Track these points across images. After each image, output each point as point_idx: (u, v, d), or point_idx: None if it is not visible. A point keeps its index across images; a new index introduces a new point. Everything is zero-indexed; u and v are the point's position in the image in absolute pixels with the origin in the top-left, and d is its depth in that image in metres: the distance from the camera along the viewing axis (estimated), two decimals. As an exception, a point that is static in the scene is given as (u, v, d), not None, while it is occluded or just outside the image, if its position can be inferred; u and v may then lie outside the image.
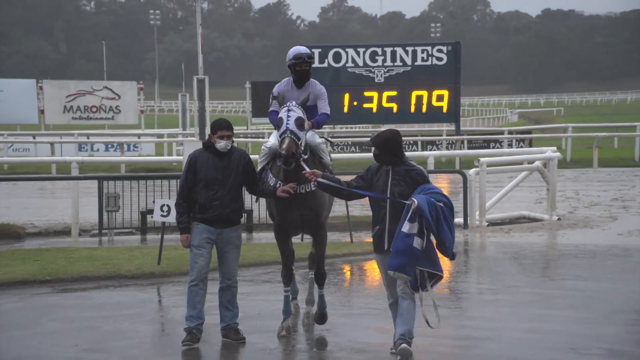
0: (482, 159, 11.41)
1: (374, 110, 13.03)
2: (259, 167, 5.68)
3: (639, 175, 19.14)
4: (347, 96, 12.96)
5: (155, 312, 6.57)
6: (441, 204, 4.83)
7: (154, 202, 8.57)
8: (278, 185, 5.42)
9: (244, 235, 10.57)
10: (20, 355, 5.28)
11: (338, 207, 8.68)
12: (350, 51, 13.08)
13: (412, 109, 13.02)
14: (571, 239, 10.07)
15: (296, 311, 6.16)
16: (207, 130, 5.53)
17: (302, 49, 5.81)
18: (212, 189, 5.34)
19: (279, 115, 5.40)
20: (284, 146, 5.19)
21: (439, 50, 13.12)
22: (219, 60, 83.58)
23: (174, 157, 18.94)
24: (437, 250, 4.93)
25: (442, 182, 17.10)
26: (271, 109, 5.75)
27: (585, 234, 10.40)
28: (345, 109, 13.01)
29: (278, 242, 5.73)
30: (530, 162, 12.41)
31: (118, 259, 8.37)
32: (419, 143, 23.78)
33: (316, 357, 5.22)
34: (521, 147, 23.03)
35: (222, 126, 5.38)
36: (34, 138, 26.56)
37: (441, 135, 25.18)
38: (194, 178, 5.37)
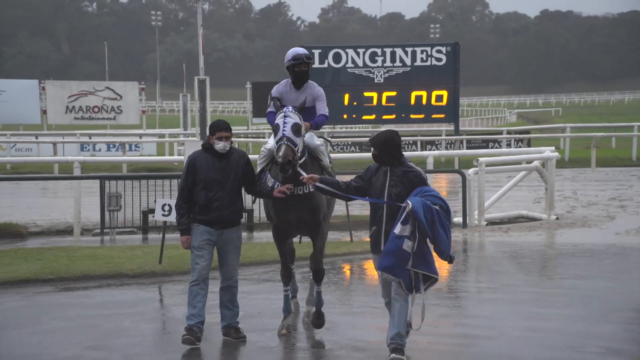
0: (481, 159, 11.45)
1: (374, 110, 13.09)
2: (258, 169, 5.69)
3: (636, 174, 19.18)
4: (346, 96, 13.02)
5: (156, 311, 6.61)
6: (437, 207, 4.81)
7: (155, 201, 8.60)
8: (276, 186, 5.43)
9: (244, 234, 10.65)
10: (23, 353, 5.31)
11: (338, 207, 8.71)
12: (350, 52, 13.12)
13: (412, 109, 13.08)
14: (569, 238, 10.10)
15: (296, 310, 6.18)
16: (208, 131, 5.52)
17: (301, 50, 5.82)
18: (211, 190, 5.35)
19: (276, 122, 5.39)
20: (280, 154, 5.17)
21: (438, 51, 13.17)
22: (220, 61, 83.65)
23: (175, 157, 19.01)
24: (435, 253, 4.90)
25: (441, 182, 17.16)
26: (269, 109, 5.77)
27: (583, 233, 10.43)
28: (345, 109, 13.07)
29: (276, 243, 5.75)
30: (529, 162, 12.46)
31: (120, 258, 8.40)
32: (419, 143, 23.83)
33: (316, 355, 5.24)
34: (520, 147, 23.08)
35: (221, 127, 5.39)
36: (37, 138, 26.63)
37: (440, 135, 25.23)
38: (194, 179, 5.38)
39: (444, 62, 13.14)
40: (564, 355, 5.11)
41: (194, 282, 5.38)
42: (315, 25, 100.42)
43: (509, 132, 26.80)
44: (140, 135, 28.80)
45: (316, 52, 13.15)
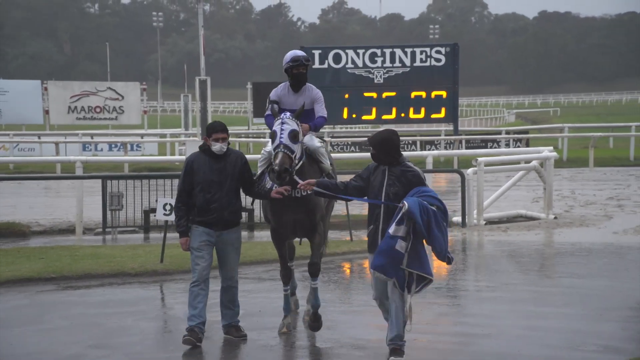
0: (480, 159, 11.50)
1: (374, 110, 13.14)
2: (258, 171, 5.69)
3: (634, 174, 19.22)
4: (346, 97, 13.08)
5: (158, 310, 6.65)
6: (434, 208, 4.78)
7: (156, 201, 8.67)
8: (273, 187, 5.42)
9: (245, 233, 10.70)
10: (25, 351, 5.34)
11: (338, 206, 8.75)
12: (350, 52, 13.17)
13: (411, 109, 13.14)
14: (567, 237, 10.14)
15: (296, 307, 6.17)
16: (205, 132, 5.50)
17: (299, 52, 5.82)
18: (209, 191, 5.35)
19: (273, 128, 5.36)
20: (277, 161, 5.15)
21: (438, 52, 13.23)
22: (221, 62, 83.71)
23: (177, 157, 19.02)
24: (433, 254, 4.89)
25: (440, 182, 17.19)
26: (267, 112, 5.76)
27: (581, 233, 10.46)
28: (345, 110, 13.12)
29: (275, 245, 5.75)
30: (527, 161, 12.50)
31: (121, 257, 8.43)
32: (418, 143, 23.85)
33: (316, 353, 5.27)
34: (518, 146, 23.11)
35: (217, 129, 5.39)
36: (39, 138, 26.68)
37: (440, 135, 25.27)
38: (192, 181, 5.39)
39: (443, 62, 13.20)
40: (562, 354, 5.14)
41: (195, 283, 5.39)
42: (316, 26, 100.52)
43: (507, 132, 26.84)
44: (142, 135, 28.85)
45: (316, 52, 13.21)
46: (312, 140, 5.64)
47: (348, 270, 8.37)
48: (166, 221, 8.09)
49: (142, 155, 25.00)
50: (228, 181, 5.38)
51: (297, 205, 5.44)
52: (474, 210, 11.18)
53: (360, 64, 13.13)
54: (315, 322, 5.59)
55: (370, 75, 13.11)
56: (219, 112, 57.31)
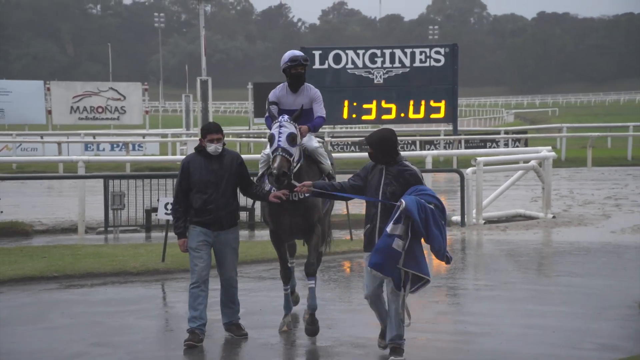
0: (479, 159, 11.54)
1: (373, 110, 13.19)
2: (259, 173, 5.69)
3: (631, 174, 19.27)
4: (346, 97, 13.13)
5: (159, 308, 6.69)
6: (432, 206, 4.76)
7: (158, 200, 8.70)
8: (272, 190, 5.42)
9: (246, 233, 10.74)
10: (28, 349, 5.38)
11: (338, 205, 8.80)
12: (350, 53, 13.22)
13: (411, 109, 13.20)
14: (566, 236, 10.17)
15: (296, 302, 6.16)
16: (200, 134, 5.52)
17: (297, 52, 5.82)
18: (205, 192, 5.37)
19: (271, 132, 5.33)
20: (276, 165, 5.14)
21: (437, 52, 13.29)
22: (222, 62, 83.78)
23: (178, 157, 19.03)
24: (432, 253, 4.88)
25: (440, 181, 17.23)
26: (267, 114, 5.73)
27: (579, 232, 10.49)
28: (345, 109, 13.17)
29: (274, 246, 5.76)
30: (526, 161, 12.55)
31: (123, 256, 8.46)
32: (417, 143, 23.88)
33: (316, 352, 5.29)
34: (517, 146, 23.16)
35: (211, 130, 5.41)
36: (42, 138, 26.74)
37: (439, 135, 25.31)
38: (189, 182, 5.41)
39: (442, 63, 13.26)
40: (561, 352, 5.17)
41: (194, 284, 5.40)
42: (316, 27, 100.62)
43: (506, 132, 26.87)
44: (144, 135, 28.91)
45: (317, 53, 13.26)
46: (310, 141, 5.64)
47: (348, 269, 8.41)
48: (167, 220, 8.12)
49: (144, 155, 25.04)
50: (224, 181, 5.39)
51: (295, 208, 5.43)
52: (473, 210, 11.22)
53: (360, 64, 13.19)
54: (311, 325, 5.55)
55: (370, 76, 13.17)
56: (220, 112, 57.38)
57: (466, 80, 61.08)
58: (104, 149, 26.88)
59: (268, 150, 5.55)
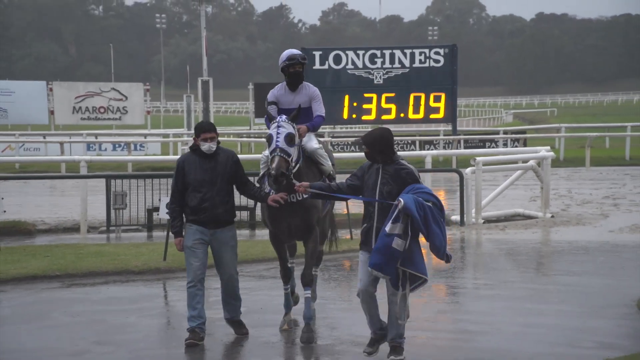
0: (478, 158, 11.59)
1: (373, 110, 13.23)
2: (260, 174, 5.70)
3: (629, 173, 19.33)
4: (347, 97, 13.16)
5: (161, 307, 6.72)
6: (429, 204, 4.74)
7: (159, 199, 8.75)
8: (271, 192, 5.42)
9: (247, 232, 10.78)
10: (31, 348, 5.41)
11: (338, 204, 8.84)
12: (350, 53, 13.27)
13: (410, 109, 13.24)
14: (564, 235, 10.21)
15: (296, 302, 6.16)
16: (194, 133, 5.53)
17: (295, 51, 5.81)
18: (200, 191, 5.38)
19: (269, 132, 5.32)
20: (274, 165, 5.12)
21: (436, 53, 13.33)
22: (223, 63, 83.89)
23: (179, 157, 19.03)
24: (432, 252, 4.87)
25: (439, 181, 17.28)
26: (266, 115, 5.73)
27: (577, 231, 10.52)
28: (345, 110, 13.21)
29: (274, 247, 5.77)
30: (525, 161, 12.60)
31: (125, 255, 8.50)
32: (417, 143, 23.90)
33: (317, 350, 5.31)
34: (516, 146, 23.22)
35: (204, 128, 5.43)
36: (44, 138, 26.82)
37: (438, 135, 25.35)
38: (184, 182, 5.43)
39: (442, 63, 13.30)
40: (559, 350, 5.19)
41: (191, 284, 5.41)
42: (316, 28, 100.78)
43: (505, 132, 26.92)
44: (145, 135, 28.98)
45: (317, 53, 13.29)
46: (310, 142, 5.63)
47: (348, 269, 8.46)
48: (169, 220, 8.15)
49: (146, 154, 25.14)
50: (219, 180, 5.40)
51: (294, 210, 5.43)
52: (473, 209, 11.27)
53: (360, 64, 13.23)
54: (306, 333, 5.47)
55: (370, 76, 13.21)
56: (221, 112, 57.44)
57: (465, 81, 61.17)
58: (106, 149, 26.98)
59: (267, 152, 5.55)
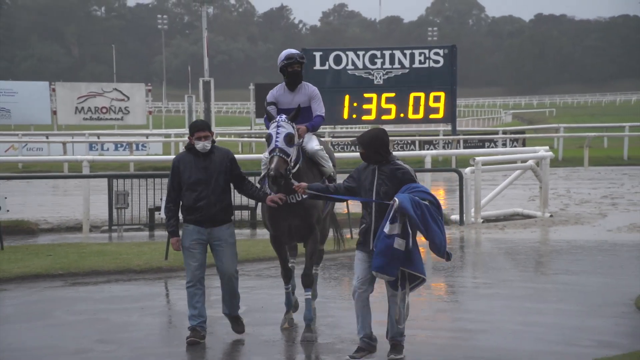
0: (477, 158, 11.63)
1: (373, 110, 13.27)
2: (261, 174, 5.68)
3: (627, 173, 19.37)
4: (347, 97, 13.20)
5: (162, 305, 6.74)
6: (426, 202, 4.72)
7: (161, 199, 8.78)
8: (271, 194, 5.41)
9: (247, 231, 10.82)
10: (34, 346, 5.44)
11: (338, 204, 8.88)
12: (350, 54, 13.31)
13: (410, 109, 13.29)
14: (563, 235, 10.24)
15: (296, 309, 6.14)
16: (188, 132, 5.53)
17: (294, 50, 5.80)
18: (196, 189, 5.37)
19: (269, 132, 5.30)
20: (272, 166, 5.11)
21: (436, 53, 13.37)
22: (224, 63, 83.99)
23: (181, 157, 19.11)
24: (431, 251, 4.87)
25: (438, 181, 17.32)
26: (266, 115, 5.72)
27: (576, 230, 10.56)
28: (345, 110, 13.25)
29: (274, 249, 5.78)
30: (524, 161, 12.65)
31: (127, 254, 8.53)
32: (417, 143, 23.94)
33: (317, 349, 5.33)
34: (515, 146, 23.28)
35: (198, 127, 5.43)
36: (47, 138, 26.85)
37: (438, 135, 25.39)
38: (180, 181, 5.43)
39: (441, 64, 13.35)
40: (557, 349, 5.22)
41: (190, 284, 5.42)
42: (317, 29, 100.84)
43: (504, 132, 26.97)
44: (147, 135, 29.04)
45: (317, 54, 13.34)
46: (310, 142, 5.62)
47: (349, 267, 8.49)
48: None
49: (147, 154, 25.20)
50: (214, 179, 5.38)
51: (294, 211, 5.42)
52: (472, 209, 11.31)
53: (360, 65, 13.27)
54: (307, 334, 5.46)
55: (370, 77, 13.25)
56: (222, 112, 57.50)
57: (465, 81, 61.18)
58: (108, 149, 27.04)
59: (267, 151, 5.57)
